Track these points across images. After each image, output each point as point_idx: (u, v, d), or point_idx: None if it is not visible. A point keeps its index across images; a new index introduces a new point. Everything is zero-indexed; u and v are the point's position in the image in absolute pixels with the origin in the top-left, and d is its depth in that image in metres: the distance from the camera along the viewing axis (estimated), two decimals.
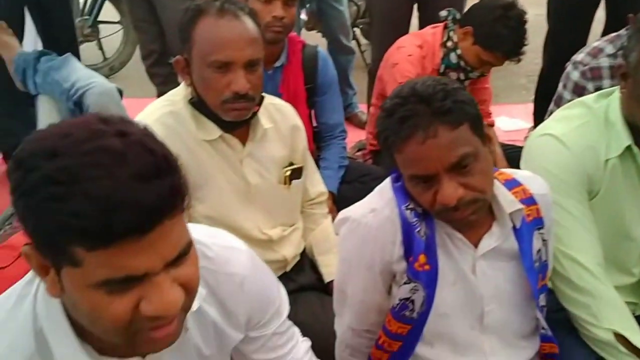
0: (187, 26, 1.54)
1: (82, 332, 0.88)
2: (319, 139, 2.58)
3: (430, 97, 1.14)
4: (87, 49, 4.51)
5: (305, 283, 1.82)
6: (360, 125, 3.58)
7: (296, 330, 1.28)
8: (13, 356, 0.87)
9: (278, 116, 1.76)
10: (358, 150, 3.15)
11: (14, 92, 2.63)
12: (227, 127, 1.61)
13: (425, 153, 1.13)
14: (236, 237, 1.14)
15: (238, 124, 1.61)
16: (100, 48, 4.82)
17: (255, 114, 1.63)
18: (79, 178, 0.69)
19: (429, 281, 1.27)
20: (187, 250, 0.80)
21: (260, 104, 1.64)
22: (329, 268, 1.82)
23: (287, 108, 1.82)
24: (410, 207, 1.27)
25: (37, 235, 0.75)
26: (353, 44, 3.81)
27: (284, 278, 1.80)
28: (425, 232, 1.26)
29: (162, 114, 1.61)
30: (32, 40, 2.90)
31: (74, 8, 4.70)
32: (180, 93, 1.66)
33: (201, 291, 0.99)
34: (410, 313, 1.30)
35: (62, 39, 3.05)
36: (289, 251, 1.80)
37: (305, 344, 1.28)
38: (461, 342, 1.31)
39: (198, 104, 1.59)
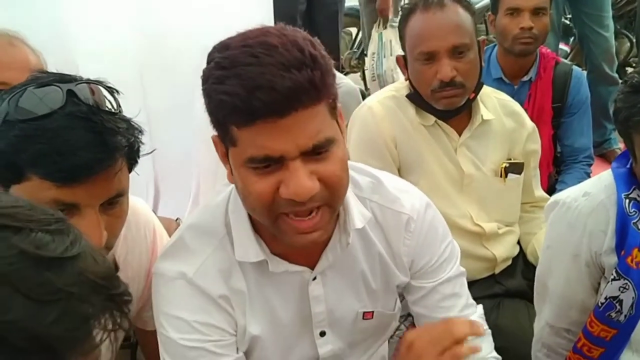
0: (401, 25, 1.65)
1: (259, 232, 1.00)
2: (560, 163, 2.44)
3: None
4: (352, 78, 4.91)
5: (513, 288, 1.72)
6: None
7: (476, 309, 1.17)
8: (210, 236, 1.03)
9: (501, 110, 1.72)
10: None
11: None
12: (443, 115, 1.64)
13: None
14: (416, 188, 1.15)
15: (453, 112, 1.63)
16: (363, 78, 5.21)
17: (470, 101, 1.63)
18: (236, 63, 0.82)
19: None
20: (325, 144, 0.86)
21: (477, 91, 1.64)
22: None
23: (512, 104, 1.77)
24: (631, 196, 1.15)
25: (211, 118, 0.89)
26: None
27: (491, 281, 1.74)
28: None
29: (384, 97, 1.71)
30: None
31: (347, 41, 5.22)
32: (404, 82, 1.74)
33: (365, 213, 1.04)
34: (616, 315, 1.16)
35: None
36: (500, 251, 1.72)
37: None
38: None
39: (413, 96, 1.65)
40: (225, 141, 0.90)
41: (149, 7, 2.19)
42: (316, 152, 0.85)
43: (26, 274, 0.57)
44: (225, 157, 0.93)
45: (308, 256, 1.03)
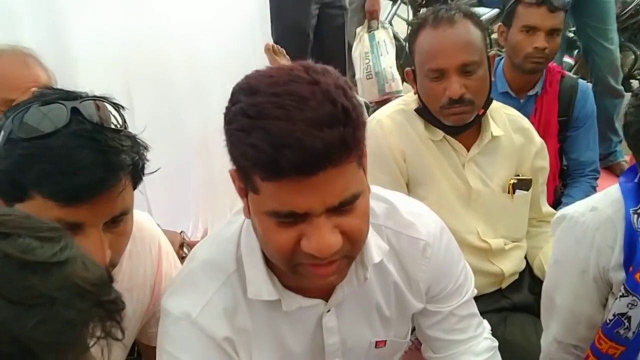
0: (411, 40, 1.64)
1: (272, 267, 0.98)
2: (566, 176, 2.43)
3: None
4: None
5: (519, 303, 1.71)
6: None
7: (484, 325, 1.21)
8: (217, 271, 1.01)
9: (510, 125, 1.72)
10: None
11: None
12: (452, 131, 1.64)
13: None
14: (430, 210, 1.14)
15: (461, 128, 1.62)
16: None
17: (479, 117, 1.62)
18: (263, 115, 0.77)
19: None
20: (351, 200, 0.84)
21: (486, 107, 1.63)
22: None
23: (521, 119, 1.77)
24: (639, 211, 1.14)
25: (233, 159, 0.86)
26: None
27: (498, 295, 1.73)
28: None
29: (394, 111, 1.70)
30: None
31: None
32: (413, 96, 1.74)
33: (382, 246, 1.02)
34: (625, 332, 1.15)
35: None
36: (507, 266, 1.71)
37: (488, 342, 1.19)
38: None
39: (422, 110, 1.65)
40: (245, 185, 0.87)
41: (142, 18, 2.19)
42: (342, 207, 0.83)
43: (9, 277, 0.58)
44: (243, 192, 0.90)
45: (323, 288, 1.01)
